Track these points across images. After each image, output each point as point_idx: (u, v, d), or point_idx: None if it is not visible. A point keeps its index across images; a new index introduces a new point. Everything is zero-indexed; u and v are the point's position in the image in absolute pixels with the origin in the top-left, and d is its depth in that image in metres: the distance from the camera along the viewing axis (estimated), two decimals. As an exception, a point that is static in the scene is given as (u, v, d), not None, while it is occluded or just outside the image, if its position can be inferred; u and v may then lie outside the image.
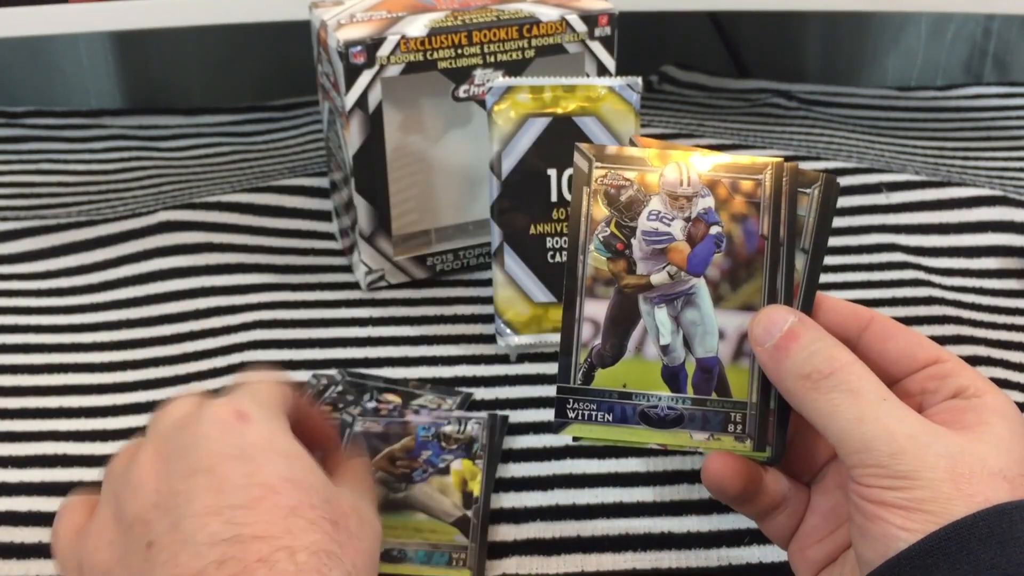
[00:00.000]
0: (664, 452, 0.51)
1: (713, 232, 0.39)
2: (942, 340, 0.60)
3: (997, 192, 0.70)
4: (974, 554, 0.31)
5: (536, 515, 0.49)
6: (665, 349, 0.40)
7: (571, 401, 0.40)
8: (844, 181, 0.72)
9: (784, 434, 0.40)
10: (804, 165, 0.73)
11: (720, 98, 0.93)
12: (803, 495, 0.41)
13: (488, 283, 0.64)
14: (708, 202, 0.39)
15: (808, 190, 0.40)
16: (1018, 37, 1.00)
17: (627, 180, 0.40)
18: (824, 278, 0.66)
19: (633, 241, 0.39)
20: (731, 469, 0.39)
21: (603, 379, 0.40)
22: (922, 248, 0.68)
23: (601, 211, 0.40)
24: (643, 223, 0.39)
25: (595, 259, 0.39)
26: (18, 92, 0.94)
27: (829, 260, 0.67)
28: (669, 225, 0.39)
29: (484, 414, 0.53)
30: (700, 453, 0.41)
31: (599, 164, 0.40)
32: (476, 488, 0.49)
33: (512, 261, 0.56)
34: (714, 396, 0.40)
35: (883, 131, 0.86)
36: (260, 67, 0.96)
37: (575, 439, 0.41)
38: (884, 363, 0.38)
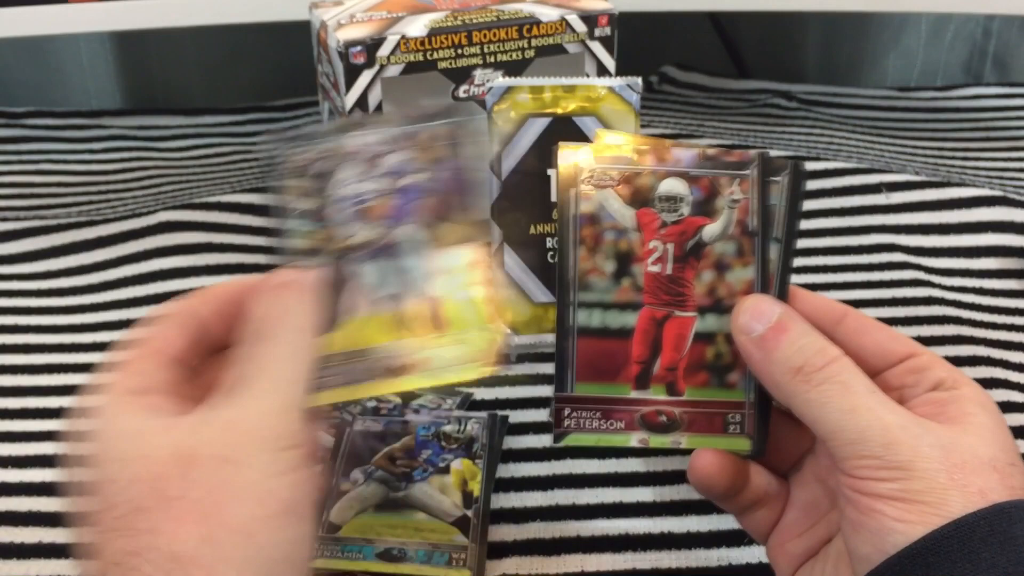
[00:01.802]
0: (648, 452, 0.51)
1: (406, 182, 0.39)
2: (942, 340, 0.60)
3: (997, 192, 0.70)
4: (975, 553, 0.31)
5: (536, 515, 0.49)
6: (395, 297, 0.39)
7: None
8: (844, 181, 0.72)
9: (766, 427, 0.40)
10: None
11: (720, 98, 0.93)
12: (783, 489, 0.41)
13: (488, 283, 0.64)
14: (398, 157, 0.38)
15: (777, 178, 0.39)
16: (1018, 37, 1.00)
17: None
18: (824, 278, 0.66)
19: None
20: (717, 467, 0.39)
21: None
22: (922, 248, 0.68)
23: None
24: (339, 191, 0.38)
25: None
26: (18, 92, 0.94)
27: (829, 260, 0.67)
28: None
29: (484, 414, 0.53)
30: (683, 451, 0.41)
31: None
32: (476, 488, 0.49)
33: (512, 261, 0.56)
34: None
35: (883, 131, 0.86)
36: (260, 67, 0.96)
37: (556, 441, 0.40)
38: (860, 357, 0.38)
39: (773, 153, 0.75)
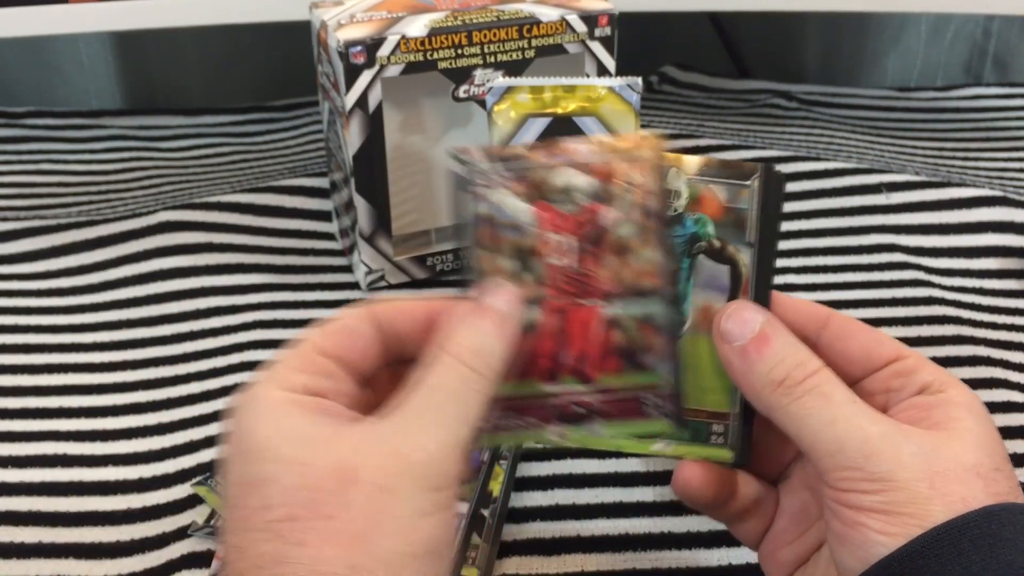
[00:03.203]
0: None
1: None
2: (942, 340, 0.60)
3: (997, 192, 0.70)
4: (964, 555, 0.31)
5: (536, 515, 0.49)
6: None
7: None
8: (844, 181, 0.72)
9: (749, 436, 0.39)
10: (804, 165, 0.74)
11: (720, 98, 0.93)
12: (772, 497, 0.41)
13: (488, 283, 0.64)
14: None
15: (747, 183, 0.39)
16: (1018, 37, 1.00)
17: None
18: (824, 278, 0.66)
19: None
20: (700, 478, 0.38)
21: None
22: (922, 248, 0.68)
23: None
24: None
25: None
26: (18, 92, 0.94)
27: (829, 260, 0.67)
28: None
29: None
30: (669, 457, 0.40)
31: None
32: (496, 488, 0.49)
33: (512, 261, 0.56)
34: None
35: (883, 131, 0.86)
36: (260, 67, 0.96)
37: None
38: (845, 362, 0.38)
39: (770, 154, 0.75)
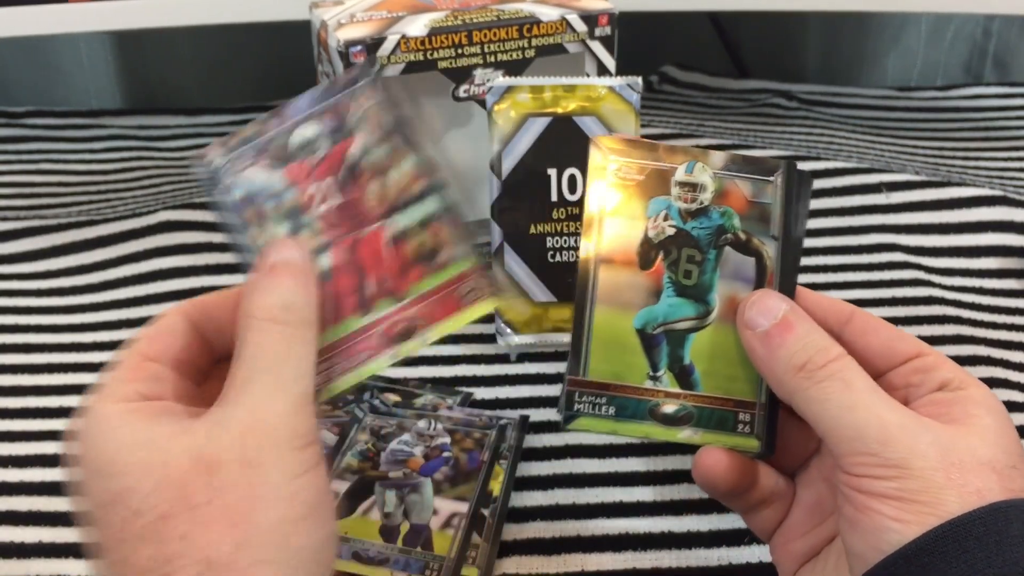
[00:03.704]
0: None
1: (444, 455, 0.50)
2: (942, 340, 0.60)
3: (997, 192, 0.70)
4: (970, 553, 0.31)
5: (536, 515, 0.49)
6: (387, 516, 0.47)
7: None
8: (844, 181, 0.72)
9: (774, 427, 0.40)
10: (804, 165, 0.74)
11: (720, 98, 0.93)
12: (790, 489, 0.41)
13: (488, 283, 0.64)
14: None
15: (771, 178, 0.40)
16: (1018, 37, 1.00)
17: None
18: (824, 278, 0.66)
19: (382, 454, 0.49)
20: (723, 466, 0.39)
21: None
22: (922, 248, 0.68)
23: None
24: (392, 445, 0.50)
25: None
26: (18, 92, 0.94)
27: (829, 260, 0.67)
28: (412, 448, 0.50)
29: (516, 415, 0.53)
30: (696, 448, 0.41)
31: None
32: (497, 488, 0.49)
33: (512, 261, 0.56)
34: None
35: (883, 131, 0.86)
36: (260, 67, 0.96)
37: (566, 424, 0.40)
38: (867, 357, 0.38)
39: (769, 153, 0.75)
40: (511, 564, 0.46)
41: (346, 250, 0.39)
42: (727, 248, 0.40)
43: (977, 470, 0.33)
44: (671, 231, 0.40)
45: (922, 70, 1.03)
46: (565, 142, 0.54)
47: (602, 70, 0.61)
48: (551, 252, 0.56)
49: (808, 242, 0.69)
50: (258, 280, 0.36)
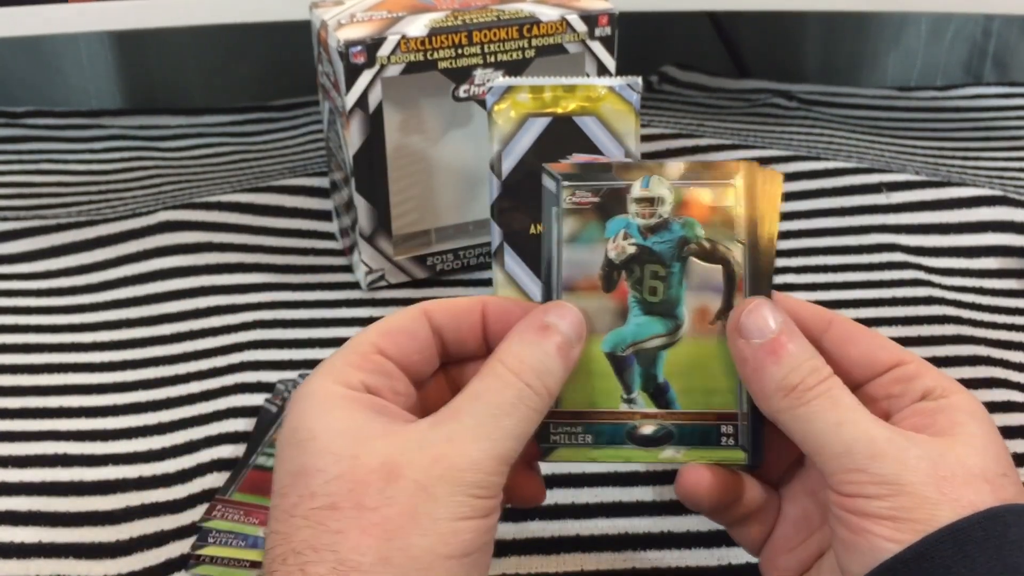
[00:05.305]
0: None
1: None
2: (942, 340, 0.60)
3: (997, 192, 0.70)
4: (970, 558, 0.31)
5: (536, 514, 0.49)
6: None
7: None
8: (844, 181, 0.72)
9: (761, 438, 0.39)
10: (804, 165, 0.74)
11: (720, 98, 0.93)
12: (774, 502, 0.40)
13: (488, 283, 0.64)
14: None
15: (731, 181, 0.39)
16: (1018, 37, 1.00)
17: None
18: (824, 278, 0.66)
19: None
20: (706, 483, 0.38)
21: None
22: (922, 248, 0.68)
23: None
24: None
25: None
26: (18, 92, 0.94)
27: (829, 260, 0.67)
28: None
29: None
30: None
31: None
32: None
33: (512, 261, 0.56)
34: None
35: (883, 131, 0.86)
36: (260, 67, 0.96)
37: (543, 457, 0.39)
38: (847, 367, 0.37)
39: (770, 153, 0.75)
40: (510, 564, 0.46)
41: None
42: (692, 259, 0.39)
43: (969, 482, 0.33)
44: (632, 249, 0.39)
45: (922, 70, 1.03)
46: (565, 142, 0.54)
47: (602, 70, 0.61)
48: (551, 252, 0.56)
49: (808, 242, 0.69)
50: (526, 333, 0.36)
